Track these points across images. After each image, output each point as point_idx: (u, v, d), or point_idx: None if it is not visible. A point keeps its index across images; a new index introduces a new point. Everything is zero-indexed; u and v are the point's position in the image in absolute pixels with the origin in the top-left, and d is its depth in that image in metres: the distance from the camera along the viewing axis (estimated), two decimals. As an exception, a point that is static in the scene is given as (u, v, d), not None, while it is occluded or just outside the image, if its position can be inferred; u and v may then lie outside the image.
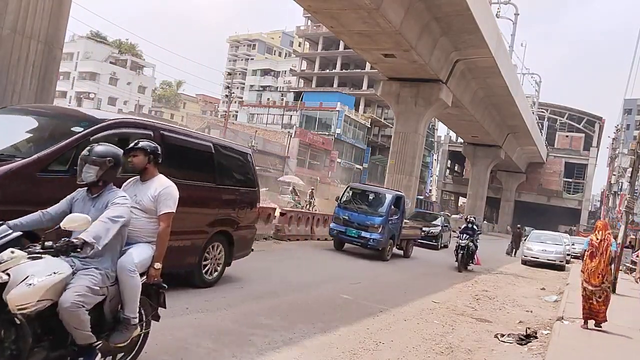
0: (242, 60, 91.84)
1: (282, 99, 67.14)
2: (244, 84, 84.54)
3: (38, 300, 2.85)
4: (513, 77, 38.71)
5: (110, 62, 68.55)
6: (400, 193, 15.09)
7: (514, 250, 24.32)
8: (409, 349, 5.69)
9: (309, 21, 66.04)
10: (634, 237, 29.47)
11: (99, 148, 3.44)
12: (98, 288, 3.21)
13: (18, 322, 2.85)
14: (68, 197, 3.47)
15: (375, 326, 6.49)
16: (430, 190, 74.75)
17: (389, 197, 14.10)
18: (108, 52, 69.17)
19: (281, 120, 58.28)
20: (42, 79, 11.06)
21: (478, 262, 15.59)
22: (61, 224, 3.10)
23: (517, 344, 6.62)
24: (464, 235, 14.64)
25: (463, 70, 31.14)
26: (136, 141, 3.85)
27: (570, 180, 67.69)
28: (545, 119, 71.64)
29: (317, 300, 7.44)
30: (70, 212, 3.27)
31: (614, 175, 52.58)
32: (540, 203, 66.01)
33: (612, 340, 7.08)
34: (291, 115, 58.00)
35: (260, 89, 77.57)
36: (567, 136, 71.28)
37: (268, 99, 69.27)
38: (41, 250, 2.99)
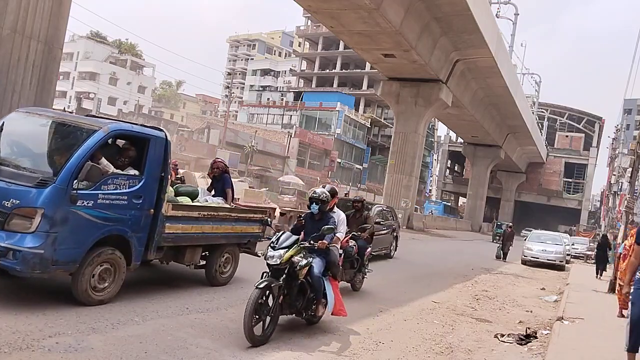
0: (242, 60, 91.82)
1: (282, 99, 67.13)
2: (244, 84, 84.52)
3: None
4: (513, 77, 38.74)
5: (110, 62, 68.51)
6: (157, 132, 6.03)
7: (505, 253, 20.76)
8: (409, 349, 5.69)
9: (309, 21, 66.04)
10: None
11: None
12: None
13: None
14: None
15: (375, 326, 6.49)
16: (430, 190, 74.77)
17: (86, 135, 5.33)
18: (108, 52, 69.14)
19: (281, 120, 58.26)
20: (42, 79, 11.09)
21: (339, 309, 5.90)
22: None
23: (517, 344, 6.61)
24: (286, 239, 5.49)
25: (463, 70, 31.16)
26: None
27: (570, 180, 67.69)
28: (545, 119, 71.67)
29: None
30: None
31: (614, 175, 52.58)
32: (540, 203, 66.02)
33: (612, 339, 7.07)
34: (291, 115, 57.99)
35: (260, 89, 77.56)
36: (567, 136, 71.31)
37: (268, 99, 69.26)
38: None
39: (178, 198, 6.75)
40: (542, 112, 71.76)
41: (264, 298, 5.01)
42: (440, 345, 6.02)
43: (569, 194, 66.77)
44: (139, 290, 6.38)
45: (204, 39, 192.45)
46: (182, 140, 42.32)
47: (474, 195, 53.04)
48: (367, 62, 45.84)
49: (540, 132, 63.42)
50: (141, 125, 6.32)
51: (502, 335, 6.90)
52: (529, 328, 7.44)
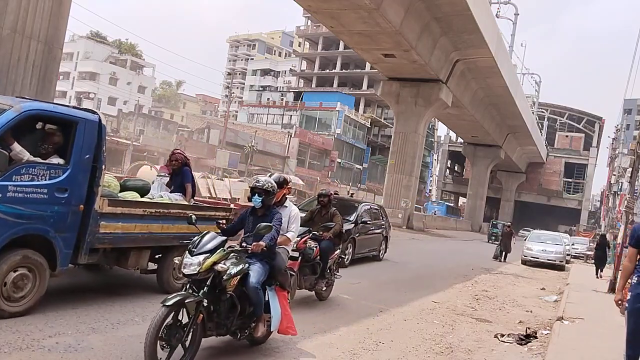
0: (242, 60, 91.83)
1: (282, 99, 67.14)
2: (244, 84, 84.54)
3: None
4: (513, 77, 38.75)
5: (110, 62, 68.43)
6: (88, 115, 5.19)
7: (504, 253, 20.42)
8: (409, 349, 5.69)
9: (309, 21, 66.06)
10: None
11: None
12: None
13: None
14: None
15: (375, 326, 6.49)
16: (430, 190, 74.77)
17: None
18: (108, 52, 69.08)
19: (281, 120, 58.28)
20: (42, 79, 11.09)
21: (287, 326, 4.85)
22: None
23: (517, 344, 6.61)
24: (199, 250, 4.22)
25: (463, 70, 31.16)
26: None
27: (570, 180, 67.70)
28: (545, 119, 71.69)
29: (317, 300, 7.43)
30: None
31: (614, 175, 52.58)
32: (540, 203, 66.03)
33: (612, 339, 7.07)
34: (291, 115, 58.01)
35: (260, 89, 77.57)
36: (567, 136, 71.33)
37: (268, 99, 69.27)
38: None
39: (124, 193, 6.02)
40: (542, 112, 71.77)
41: (175, 318, 3.90)
42: (440, 345, 6.02)
43: (569, 194, 66.78)
44: (139, 291, 6.39)
45: (204, 39, 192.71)
46: (182, 140, 42.32)
47: (474, 195, 53.05)
48: (367, 62, 45.84)
49: (540, 132, 63.42)
50: (73, 107, 5.36)
51: (502, 335, 6.89)
52: (529, 328, 7.44)
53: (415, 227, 31.79)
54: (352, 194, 32.70)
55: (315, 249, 6.82)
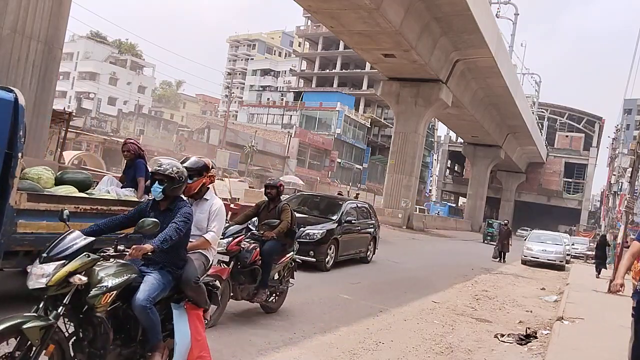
0: (242, 60, 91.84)
1: (282, 99, 67.17)
2: (244, 84, 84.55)
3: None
4: (513, 77, 38.76)
5: (110, 62, 68.50)
6: None
7: (502, 254, 19.88)
8: (409, 349, 5.69)
9: (309, 21, 66.07)
10: (633, 237, 29.32)
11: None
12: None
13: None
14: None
15: (375, 326, 6.49)
16: (430, 190, 74.78)
17: None
18: (108, 52, 69.14)
19: (281, 120, 58.30)
20: (42, 79, 11.07)
21: (199, 356, 3.60)
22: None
23: (517, 344, 6.61)
24: None
25: (463, 70, 31.17)
26: None
27: (570, 180, 67.72)
28: (545, 119, 71.71)
29: (317, 300, 7.43)
30: None
31: (614, 175, 52.59)
32: (540, 203, 66.04)
33: (612, 339, 7.08)
34: (291, 115, 58.03)
35: (260, 89, 77.60)
36: (567, 136, 71.36)
37: (268, 99, 69.31)
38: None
39: (57, 187, 5.18)
40: (542, 112, 71.79)
41: (16, 350, 2.82)
42: (440, 345, 6.02)
43: (569, 194, 66.79)
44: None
45: (204, 39, 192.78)
46: (182, 140, 42.35)
47: (474, 195, 53.06)
48: (367, 62, 45.85)
49: (540, 132, 63.45)
50: None
51: (502, 335, 6.89)
52: (529, 328, 7.44)
53: (415, 227, 31.80)
54: (357, 194, 32.72)
55: (254, 251, 5.68)
